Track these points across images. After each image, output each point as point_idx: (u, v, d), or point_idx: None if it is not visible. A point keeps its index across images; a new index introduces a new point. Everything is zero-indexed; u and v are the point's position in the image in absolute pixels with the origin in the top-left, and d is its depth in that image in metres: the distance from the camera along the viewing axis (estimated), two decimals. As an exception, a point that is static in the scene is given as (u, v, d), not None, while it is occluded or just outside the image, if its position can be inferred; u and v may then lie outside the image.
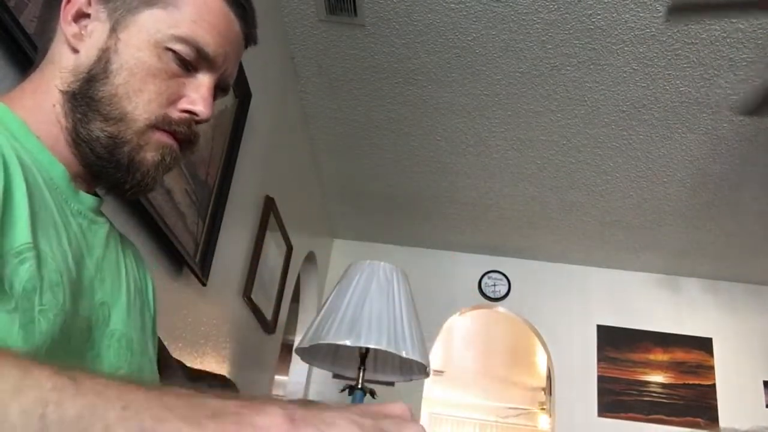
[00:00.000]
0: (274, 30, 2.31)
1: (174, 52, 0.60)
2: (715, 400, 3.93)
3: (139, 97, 0.59)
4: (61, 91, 0.59)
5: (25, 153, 0.55)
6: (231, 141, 1.92)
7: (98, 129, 0.58)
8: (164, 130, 0.61)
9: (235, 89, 1.93)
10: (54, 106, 0.59)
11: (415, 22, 2.28)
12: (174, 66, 0.60)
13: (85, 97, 0.58)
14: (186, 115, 0.62)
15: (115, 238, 0.68)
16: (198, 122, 0.63)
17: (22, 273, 0.47)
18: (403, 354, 1.88)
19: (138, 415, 0.32)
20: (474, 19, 2.25)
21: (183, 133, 0.62)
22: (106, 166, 0.60)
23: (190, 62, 0.61)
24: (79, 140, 0.59)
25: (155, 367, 0.71)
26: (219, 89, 0.66)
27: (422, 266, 4.10)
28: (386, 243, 4.20)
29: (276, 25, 2.31)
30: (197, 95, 0.62)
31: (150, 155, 0.60)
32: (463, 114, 2.80)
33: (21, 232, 0.48)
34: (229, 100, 1.90)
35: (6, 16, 0.91)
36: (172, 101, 0.61)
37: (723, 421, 3.86)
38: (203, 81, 0.63)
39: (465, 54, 2.42)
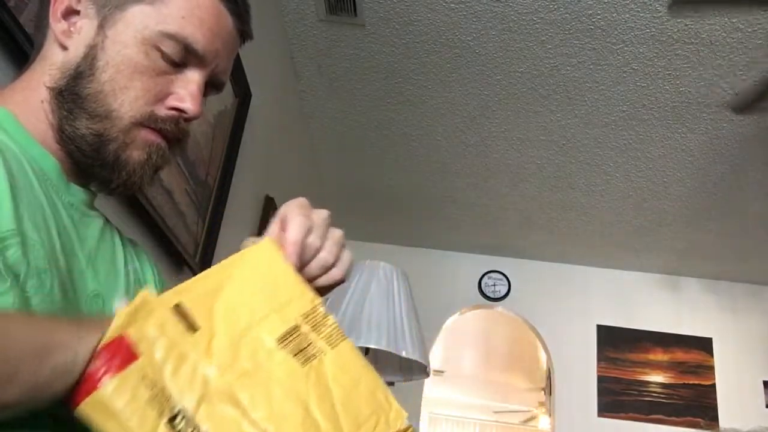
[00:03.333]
0: (274, 30, 2.31)
1: (161, 49, 0.59)
2: (715, 400, 3.93)
3: (125, 95, 0.58)
4: (48, 87, 0.59)
5: (14, 143, 0.54)
6: (231, 141, 1.92)
7: (84, 127, 0.58)
8: (151, 128, 0.60)
9: (235, 89, 1.93)
10: (42, 102, 0.59)
11: (415, 22, 2.29)
12: (162, 63, 0.59)
13: (71, 94, 0.58)
14: (174, 112, 0.61)
15: (111, 232, 0.67)
16: (187, 120, 0.62)
17: (6, 259, 0.46)
18: (403, 354, 1.88)
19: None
20: (474, 19, 2.25)
21: (170, 131, 0.61)
22: (92, 164, 0.59)
23: (179, 59, 0.60)
24: (65, 137, 0.59)
25: None
26: (211, 86, 0.65)
27: (422, 266, 4.09)
28: (386, 243, 4.20)
29: (276, 25, 2.31)
30: (185, 92, 0.61)
31: (136, 153, 0.60)
32: (463, 114, 2.80)
33: (3, 219, 0.47)
34: (229, 100, 1.90)
35: (6, 16, 0.91)
36: (160, 98, 0.60)
37: (723, 421, 3.86)
38: (192, 78, 0.61)
39: (465, 54, 2.42)
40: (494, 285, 4.22)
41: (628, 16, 2.15)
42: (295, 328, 0.49)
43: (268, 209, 2.46)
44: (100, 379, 0.40)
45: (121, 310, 0.43)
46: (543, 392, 6.10)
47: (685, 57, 2.30)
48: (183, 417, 0.41)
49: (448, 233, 4.04)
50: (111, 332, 0.42)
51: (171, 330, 0.44)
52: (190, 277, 1.51)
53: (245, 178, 2.14)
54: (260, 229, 2.41)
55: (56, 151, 0.59)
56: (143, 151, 0.60)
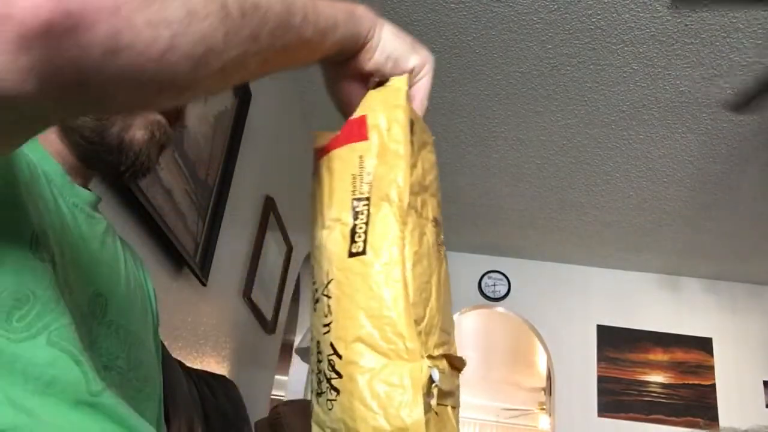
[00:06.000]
0: (274, 30, 2.30)
1: None
2: (715, 400, 3.93)
3: None
4: None
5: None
6: (231, 141, 1.92)
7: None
8: None
9: (235, 89, 1.92)
10: None
11: (415, 22, 2.28)
12: None
13: None
14: None
15: (113, 235, 0.68)
16: None
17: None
18: (403, 354, 1.87)
19: None
20: (474, 20, 2.25)
21: (168, 107, 0.61)
22: (98, 150, 0.60)
23: None
24: (67, 130, 0.59)
25: (157, 363, 0.70)
26: None
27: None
28: (386, 243, 4.20)
29: (276, 25, 2.31)
30: None
31: (139, 133, 0.60)
32: (463, 114, 2.80)
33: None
34: (229, 101, 1.90)
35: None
36: None
37: (723, 421, 3.86)
38: None
39: (465, 54, 2.42)
40: (494, 285, 4.22)
41: (628, 16, 2.15)
42: (436, 224, 0.55)
43: (268, 209, 2.46)
44: (337, 143, 0.50)
45: (392, 87, 0.51)
46: (543, 392, 6.10)
47: (685, 57, 2.30)
48: (365, 205, 0.47)
49: (448, 233, 4.00)
50: (362, 110, 0.51)
51: (398, 133, 0.49)
52: (190, 277, 1.50)
53: (245, 178, 2.14)
54: (260, 229, 2.41)
55: (59, 150, 0.60)
56: (146, 130, 0.60)
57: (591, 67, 2.41)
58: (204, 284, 1.80)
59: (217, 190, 1.87)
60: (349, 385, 0.45)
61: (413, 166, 0.50)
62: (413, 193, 0.49)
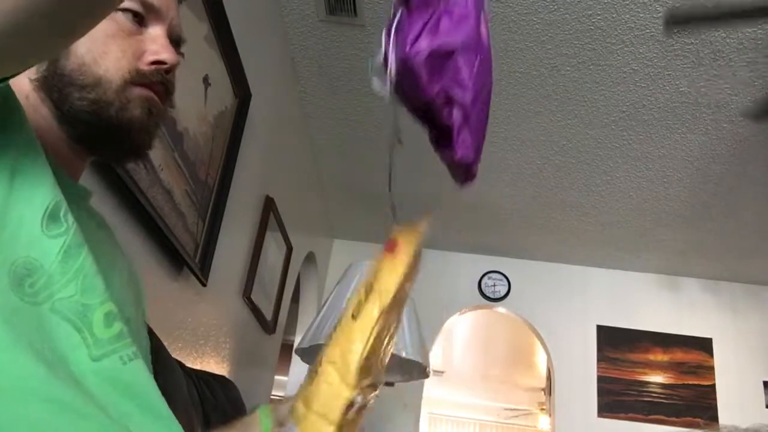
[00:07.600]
0: (274, 30, 2.31)
1: (124, 9, 0.61)
2: (715, 400, 3.93)
3: (106, 60, 0.60)
4: (31, 79, 0.60)
5: None
6: (231, 141, 1.92)
7: (78, 99, 0.59)
8: (141, 85, 0.62)
9: (235, 89, 1.93)
10: (27, 97, 0.60)
11: (415, 22, 2.28)
12: (128, 24, 0.62)
13: (56, 75, 0.59)
14: (154, 66, 0.63)
15: (108, 229, 0.69)
16: (168, 71, 0.65)
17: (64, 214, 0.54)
18: (403, 354, 1.88)
19: None
20: (474, 19, 2.24)
21: (159, 83, 0.63)
22: (98, 132, 0.61)
23: (141, 15, 0.63)
24: (65, 118, 0.60)
25: (147, 353, 0.71)
26: (173, 44, 0.68)
27: (422, 266, 4.09)
28: (386, 243, 4.19)
29: (276, 25, 2.31)
30: (157, 45, 0.64)
31: (137, 112, 0.61)
32: (463, 114, 2.80)
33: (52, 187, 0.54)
34: (229, 100, 1.89)
35: None
36: (137, 57, 0.62)
37: (723, 421, 3.86)
38: (157, 33, 0.64)
39: (465, 54, 2.42)
40: (494, 285, 4.22)
41: (628, 16, 2.15)
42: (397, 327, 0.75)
43: (268, 209, 2.46)
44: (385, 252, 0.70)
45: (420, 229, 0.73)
46: (543, 392, 6.10)
47: (684, 57, 2.30)
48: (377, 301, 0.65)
49: (448, 233, 4.03)
50: (396, 233, 0.73)
51: (409, 261, 0.71)
52: (190, 277, 1.50)
53: (245, 178, 2.14)
54: (260, 229, 2.41)
55: (51, 143, 0.60)
56: (143, 108, 0.62)
57: (591, 67, 2.41)
58: (204, 284, 1.80)
59: (217, 190, 1.86)
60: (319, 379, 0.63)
61: (406, 278, 0.71)
62: (397, 304, 0.68)
